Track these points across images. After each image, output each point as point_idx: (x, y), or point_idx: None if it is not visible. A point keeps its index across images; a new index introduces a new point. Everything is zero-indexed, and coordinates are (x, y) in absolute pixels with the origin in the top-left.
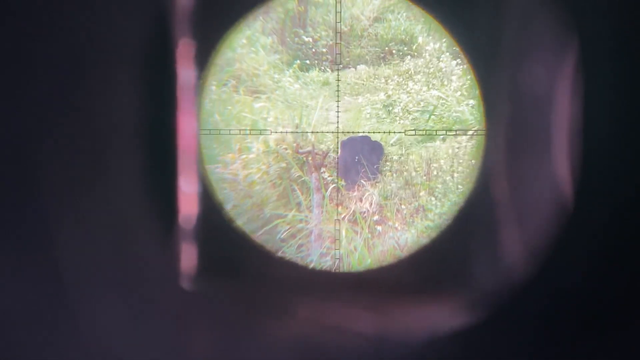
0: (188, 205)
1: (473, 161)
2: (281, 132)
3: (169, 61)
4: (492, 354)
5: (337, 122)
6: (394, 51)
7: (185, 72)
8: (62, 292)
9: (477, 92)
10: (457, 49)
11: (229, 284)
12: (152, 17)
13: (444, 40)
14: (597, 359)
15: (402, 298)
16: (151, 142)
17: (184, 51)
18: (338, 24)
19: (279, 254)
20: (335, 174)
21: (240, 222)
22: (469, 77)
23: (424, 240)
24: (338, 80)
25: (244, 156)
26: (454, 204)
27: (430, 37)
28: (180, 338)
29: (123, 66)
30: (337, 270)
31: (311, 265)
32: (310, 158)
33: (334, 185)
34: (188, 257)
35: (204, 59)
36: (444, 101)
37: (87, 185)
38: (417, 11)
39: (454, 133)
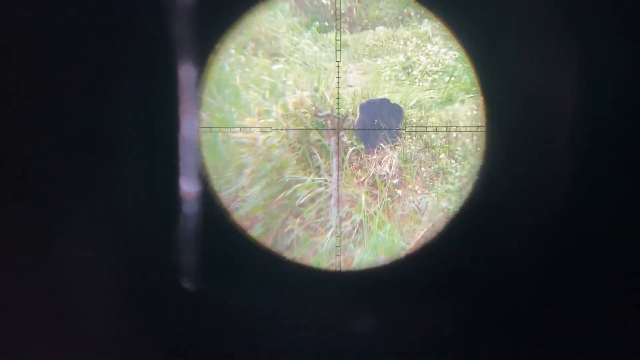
0: (189, 205)
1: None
2: (278, 129)
3: (169, 60)
4: (491, 354)
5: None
6: (412, 13)
7: (185, 70)
8: (62, 292)
9: (478, 90)
10: (459, 47)
11: (229, 284)
12: (152, 16)
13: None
14: (597, 359)
15: (402, 298)
16: (152, 141)
17: (185, 50)
18: None
19: (299, 218)
20: (354, 137)
21: (259, 187)
22: None
23: (422, 241)
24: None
25: (263, 120)
26: (473, 167)
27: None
28: (181, 338)
29: (123, 66)
30: (338, 270)
31: (331, 230)
32: (329, 121)
33: (353, 148)
34: (189, 256)
35: (204, 57)
36: (462, 63)
37: (87, 185)
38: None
39: (455, 129)
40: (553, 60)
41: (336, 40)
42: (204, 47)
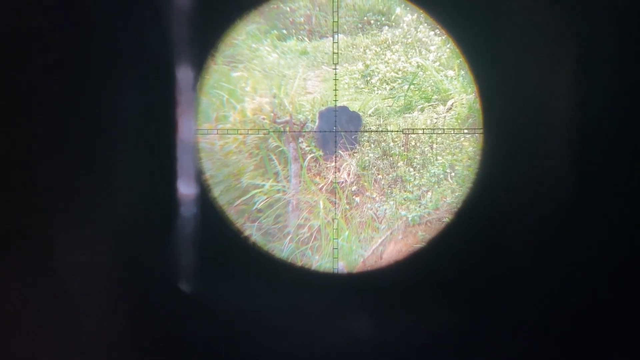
0: (187, 207)
1: (452, 132)
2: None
3: (168, 61)
4: (492, 354)
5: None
6: (371, 21)
7: (183, 72)
8: (62, 292)
9: (476, 91)
10: (457, 49)
11: (227, 285)
12: (152, 16)
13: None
14: (597, 358)
15: (402, 298)
16: (150, 143)
17: (183, 51)
18: None
19: (256, 223)
20: (313, 144)
21: (217, 192)
22: (447, 47)
23: (419, 245)
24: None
25: (221, 126)
26: (433, 175)
27: (408, 8)
28: (179, 339)
29: (122, 67)
30: (337, 271)
31: (289, 237)
32: (287, 128)
33: (311, 155)
34: (187, 258)
35: (202, 59)
36: (423, 71)
37: (86, 186)
38: (418, 12)
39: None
40: (551, 64)
41: (334, 43)
42: (202, 50)
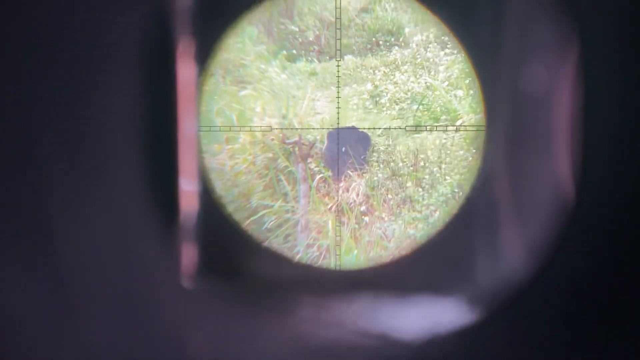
0: (188, 204)
1: (460, 152)
2: (275, 127)
3: (168, 60)
4: (492, 354)
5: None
6: (380, 42)
7: (185, 70)
8: (62, 292)
9: (478, 90)
10: (459, 47)
11: (229, 283)
12: (152, 16)
13: (431, 31)
14: (598, 359)
15: (402, 297)
16: (151, 140)
17: (184, 49)
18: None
19: (267, 244)
20: (321, 164)
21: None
22: (456, 67)
23: (424, 239)
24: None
25: (230, 146)
26: (441, 195)
27: (418, 28)
28: (181, 337)
29: (122, 65)
30: (338, 269)
31: (298, 256)
32: (297, 148)
33: (320, 175)
34: (189, 255)
35: (204, 57)
36: (432, 91)
37: (87, 184)
38: (419, 10)
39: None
40: (554, 60)
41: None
42: (204, 47)
